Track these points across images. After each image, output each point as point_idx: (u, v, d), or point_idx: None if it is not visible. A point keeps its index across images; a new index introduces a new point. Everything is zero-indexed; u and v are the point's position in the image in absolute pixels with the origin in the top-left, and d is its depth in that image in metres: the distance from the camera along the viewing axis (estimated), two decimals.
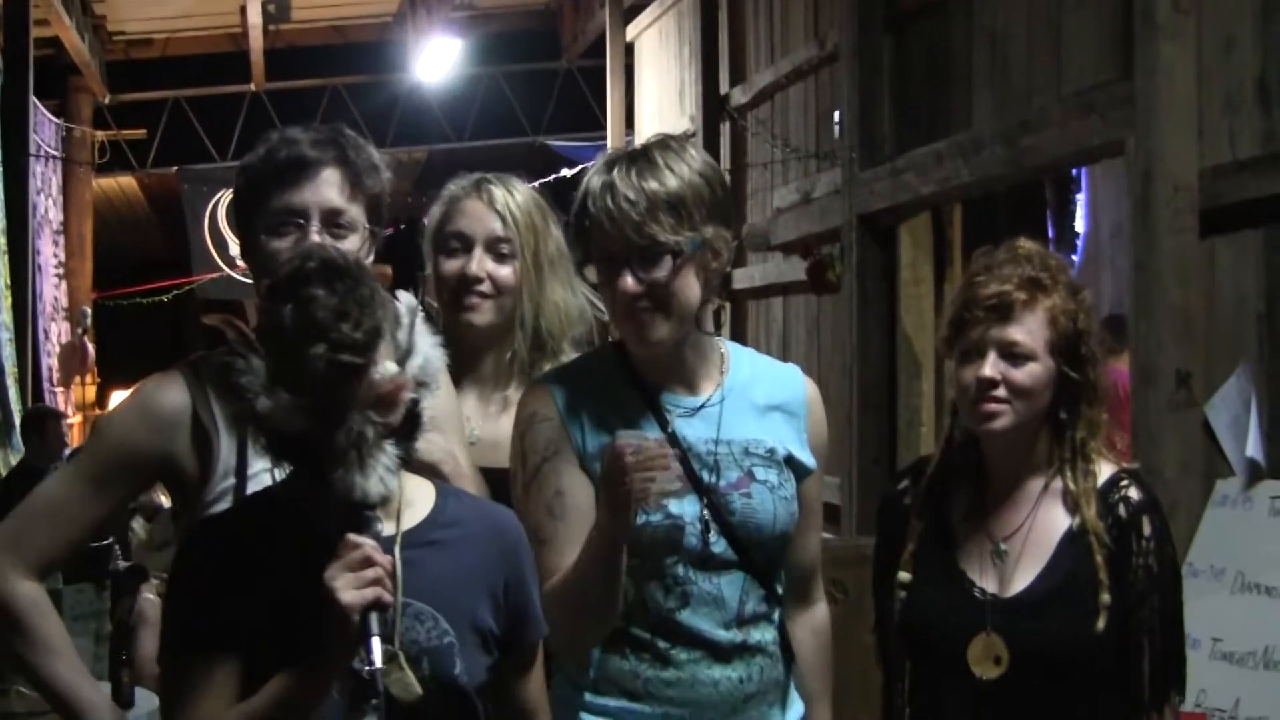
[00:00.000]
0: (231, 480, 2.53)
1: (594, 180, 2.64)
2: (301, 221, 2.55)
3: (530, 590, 2.43)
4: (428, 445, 2.47)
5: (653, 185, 2.58)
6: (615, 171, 2.61)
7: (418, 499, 2.34)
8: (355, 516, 2.16)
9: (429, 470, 2.52)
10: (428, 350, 2.28)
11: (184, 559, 2.27)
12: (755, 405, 2.76)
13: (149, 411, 2.58)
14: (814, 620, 2.93)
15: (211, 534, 2.31)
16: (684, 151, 2.67)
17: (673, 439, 2.65)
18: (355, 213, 2.60)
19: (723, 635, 2.66)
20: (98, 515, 2.58)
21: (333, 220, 2.57)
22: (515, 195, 3.16)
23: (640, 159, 2.63)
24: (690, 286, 2.63)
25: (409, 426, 2.23)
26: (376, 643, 2.09)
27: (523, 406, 2.77)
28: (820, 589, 2.95)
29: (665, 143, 2.69)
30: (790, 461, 2.75)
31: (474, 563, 2.35)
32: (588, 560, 2.53)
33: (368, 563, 2.10)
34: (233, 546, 2.24)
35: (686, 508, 2.63)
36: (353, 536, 2.13)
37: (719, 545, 2.66)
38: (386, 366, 2.18)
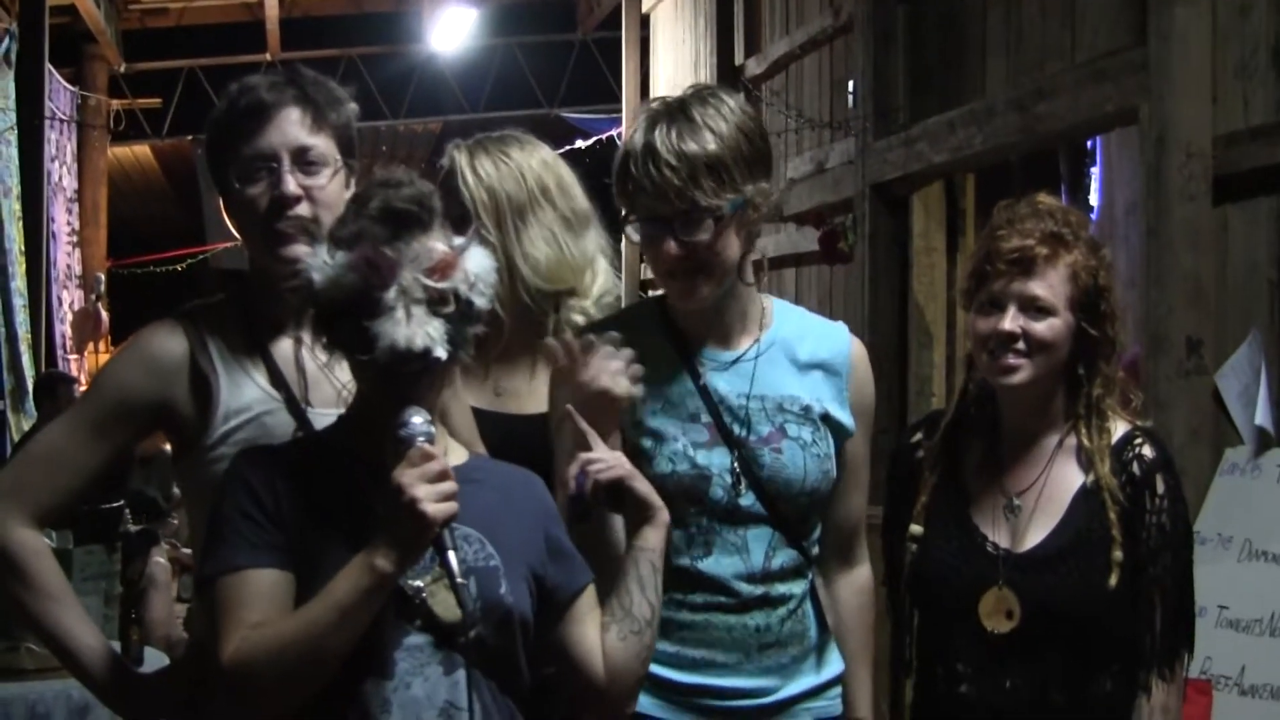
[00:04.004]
0: (233, 422, 2.53)
1: (636, 139, 2.64)
2: (274, 165, 2.55)
3: (567, 538, 2.47)
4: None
5: (693, 148, 2.58)
6: (656, 132, 2.61)
7: (453, 451, 2.39)
8: (398, 389, 2.23)
9: None
10: (481, 258, 2.34)
11: (231, 481, 2.30)
12: (795, 362, 2.77)
13: (147, 358, 2.58)
14: (856, 580, 2.93)
15: (258, 460, 2.34)
16: (722, 105, 2.66)
17: (704, 391, 2.70)
18: (324, 146, 2.59)
19: (744, 587, 2.69)
20: (97, 462, 2.58)
21: (302, 158, 2.57)
22: (467, 174, 3.05)
23: (679, 117, 2.62)
24: (731, 245, 2.66)
25: (460, 320, 2.28)
26: (454, 557, 2.17)
27: None
28: (863, 550, 2.95)
29: (703, 97, 2.68)
30: (827, 420, 2.76)
31: (515, 503, 2.41)
32: None
33: (444, 475, 2.16)
34: (279, 473, 2.29)
35: (715, 459, 2.67)
36: (426, 446, 2.19)
37: (747, 499, 2.68)
38: (439, 244, 2.27)
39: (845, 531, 2.89)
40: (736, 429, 2.69)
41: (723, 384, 2.72)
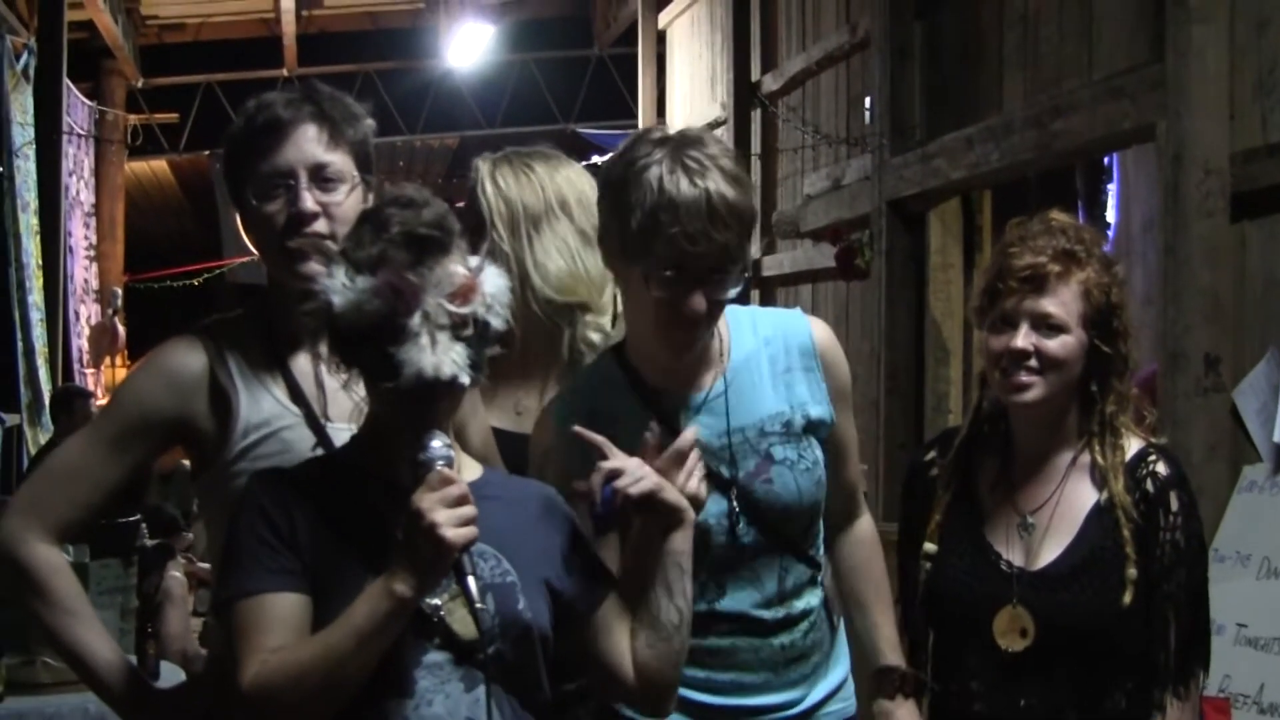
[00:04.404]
0: (253, 437, 2.53)
1: (682, 188, 2.46)
2: (291, 182, 2.54)
3: (590, 547, 2.45)
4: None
5: (737, 202, 2.48)
6: (709, 183, 2.46)
7: (467, 467, 2.38)
8: (419, 414, 2.22)
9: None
10: (495, 278, 2.32)
11: (246, 504, 2.29)
12: (765, 376, 2.72)
13: (166, 374, 2.58)
14: (856, 532, 2.90)
15: (273, 482, 2.33)
16: (731, 152, 2.58)
17: None
18: (341, 163, 2.58)
19: (765, 614, 2.68)
20: (116, 478, 2.57)
21: (319, 174, 2.55)
22: (486, 183, 3.05)
23: (719, 170, 2.48)
24: None
25: (479, 343, 2.26)
26: (473, 582, 2.17)
27: (533, 439, 2.76)
28: (861, 504, 2.93)
29: (717, 144, 2.57)
30: (809, 426, 2.71)
31: (529, 516, 2.40)
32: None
33: (464, 499, 2.15)
34: (294, 495, 2.28)
35: (710, 507, 2.60)
36: (445, 470, 2.17)
37: (749, 536, 2.65)
38: (459, 268, 2.25)
39: (843, 497, 2.85)
40: (724, 471, 2.64)
41: (700, 428, 2.58)
